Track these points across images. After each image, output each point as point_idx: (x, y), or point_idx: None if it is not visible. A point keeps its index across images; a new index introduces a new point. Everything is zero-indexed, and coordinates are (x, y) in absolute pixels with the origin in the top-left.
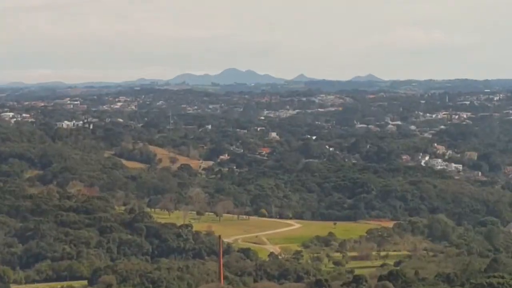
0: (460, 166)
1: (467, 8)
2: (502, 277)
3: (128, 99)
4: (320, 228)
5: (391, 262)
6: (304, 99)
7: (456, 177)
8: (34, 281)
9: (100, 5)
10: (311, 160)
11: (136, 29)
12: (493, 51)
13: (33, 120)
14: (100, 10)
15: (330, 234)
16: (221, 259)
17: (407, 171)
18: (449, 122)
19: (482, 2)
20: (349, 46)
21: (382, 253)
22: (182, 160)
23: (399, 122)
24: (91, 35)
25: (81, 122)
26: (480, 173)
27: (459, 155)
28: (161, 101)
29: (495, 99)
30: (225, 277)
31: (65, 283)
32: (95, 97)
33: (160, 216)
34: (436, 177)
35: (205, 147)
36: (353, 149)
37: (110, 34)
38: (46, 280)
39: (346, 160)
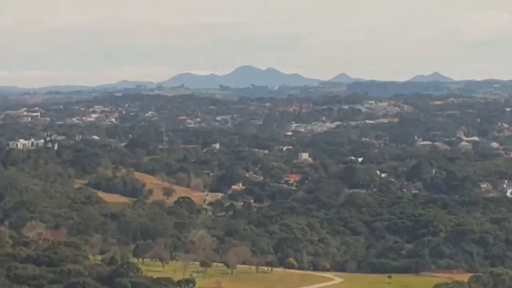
0: None
1: None
2: None
3: (107, 109)
4: (369, 283)
5: None
6: (346, 107)
7: None
8: None
9: None
10: (356, 190)
11: (117, 15)
12: None
13: None
14: None
15: None
16: None
17: (487, 204)
18: None
19: None
20: (406, 35)
21: None
22: (181, 191)
23: (476, 138)
24: (56, 23)
25: (42, 140)
26: None
27: None
28: (151, 111)
29: None
30: None
31: None
32: (61, 106)
33: (151, 269)
34: None
35: (211, 174)
36: (414, 175)
37: (82, 23)
38: None
39: (405, 190)
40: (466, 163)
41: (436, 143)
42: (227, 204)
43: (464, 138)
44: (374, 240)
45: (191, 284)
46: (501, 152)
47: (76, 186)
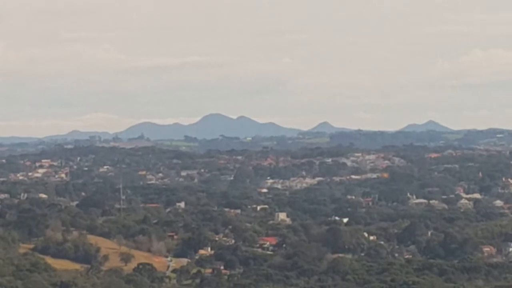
0: None
1: None
2: None
3: (55, 164)
4: None
5: None
6: (329, 160)
7: None
8: None
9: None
10: (341, 255)
11: (67, 56)
12: None
13: None
14: (9, 29)
15: None
16: None
17: (490, 271)
18: None
19: None
20: (398, 78)
21: None
22: (141, 257)
23: (477, 195)
24: None
25: None
26: None
27: None
28: (106, 166)
29: None
30: None
31: None
32: (3, 160)
33: None
34: None
35: (176, 237)
36: (407, 238)
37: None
38: None
39: (396, 255)
40: (466, 224)
41: (432, 201)
42: (194, 271)
43: (464, 195)
44: None
45: None
46: (506, 211)
47: (21, 251)
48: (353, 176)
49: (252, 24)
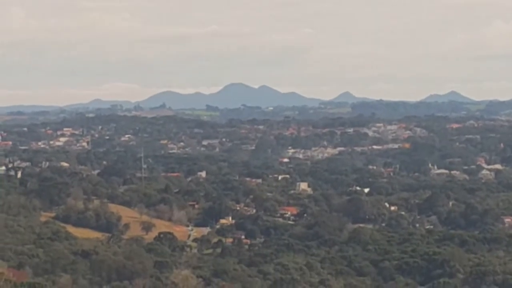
0: None
1: None
2: None
3: (77, 132)
4: None
5: None
6: (351, 130)
7: None
8: None
9: None
10: (362, 225)
11: (88, 25)
12: None
13: None
14: None
15: None
16: None
17: (511, 242)
18: None
19: None
20: (419, 49)
21: None
22: (162, 226)
23: (499, 166)
24: (17, 32)
25: (3, 168)
26: None
27: None
28: (127, 135)
29: None
30: None
31: None
32: (25, 129)
33: None
34: None
35: (197, 206)
36: (428, 209)
37: (47, 33)
38: None
39: (417, 225)
40: (487, 195)
41: (453, 172)
42: (215, 240)
43: (485, 166)
44: (383, 281)
45: None
46: None
47: (43, 219)
48: (374, 146)
49: None
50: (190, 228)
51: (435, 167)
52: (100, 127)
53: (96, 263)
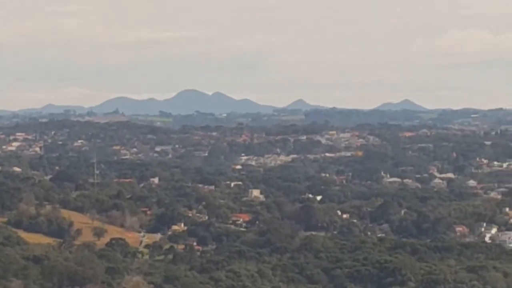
0: None
1: None
2: None
3: (30, 137)
4: None
5: None
6: (303, 138)
7: None
8: None
9: None
10: (314, 233)
11: (41, 30)
12: None
13: None
14: None
15: None
16: None
17: (463, 251)
18: None
19: None
20: (373, 57)
21: None
22: (114, 232)
23: (451, 175)
24: None
25: None
26: None
27: None
28: (80, 141)
29: None
30: None
31: None
32: None
33: None
34: (509, 260)
35: (149, 212)
36: (380, 217)
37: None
38: None
39: (369, 233)
40: (439, 204)
41: (405, 180)
42: (167, 246)
43: (438, 175)
44: None
45: None
46: (479, 191)
47: None
48: (327, 154)
49: (228, 1)
50: (142, 234)
51: (388, 175)
52: (53, 132)
53: (48, 268)
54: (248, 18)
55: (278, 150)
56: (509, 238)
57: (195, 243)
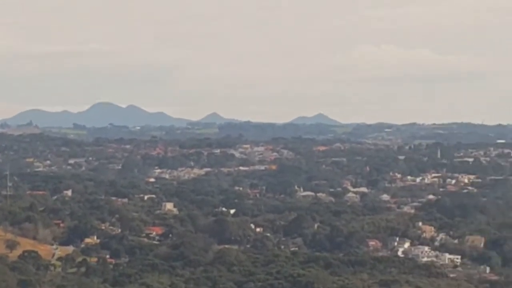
0: (458, 258)
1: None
2: None
3: None
4: None
5: None
6: (217, 151)
7: (452, 275)
8: None
9: None
10: (227, 246)
11: None
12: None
13: None
14: None
15: None
16: None
17: (375, 264)
18: (442, 189)
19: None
20: (288, 71)
21: None
22: (26, 244)
23: (364, 189)
24: None
25: None
26: (488, 269)
27: (456, 241)
28: None
29: None
30: None
31: None
32: None
33: None
34: (421, 274)
35: (62, 225)
36: (293, 230)
37: None
38: None
39: (282, 247)
40: (352, 218)
41: (319, 194)
42: (79, 259)
43: (351, 189)
44: None
45: None
46: (393, 205)
47: None
48: (241, 168)
49: (143, 14)
50: (54, 246)
51: (301, 189)
52: None
53: None
54: (163, 32)
55: (192, 163)
56: (421, 252)
57: (108, 256)
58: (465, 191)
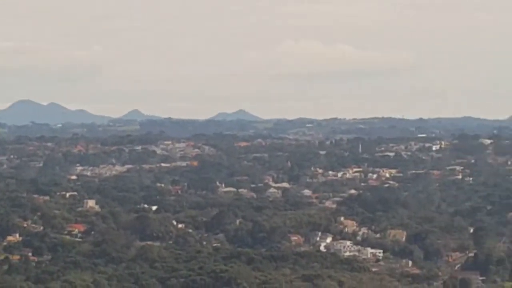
0: (380, 252)
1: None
2: None
3: None
4: None
5: None
6: (139, 148)
7: (374, 269)
8: None
9: None
10: (149, 243)
11: None
12: (431, 76)
13: None
14: None
15: None
16: None
17: (298, 259)
18: (363, 184)
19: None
20: (209, 67)
21: None
22: None
23: (286, 185)
24: None
25: None
26: (410, 263)
27: (378, 235)
28: None
29: (434, 148)
30: None
31: None
32: None
33: None
34: (343, 268)
35: None
36: (215, 226)
37: None
38: None
39: (205, 243)
40: (274, 213)
41: (240, 190)
42: (1, 257)
43: (273, 184)
44: None
45: None
46: (314, 200)
47: None
48: (162, 164)
49: (64, 11)
50: None
51: (223, 185)
52: None
53: None
54: (84, 29)
55: (114, 160)
56: (344, 247)
57: (30, 254)
58: (386, 185)
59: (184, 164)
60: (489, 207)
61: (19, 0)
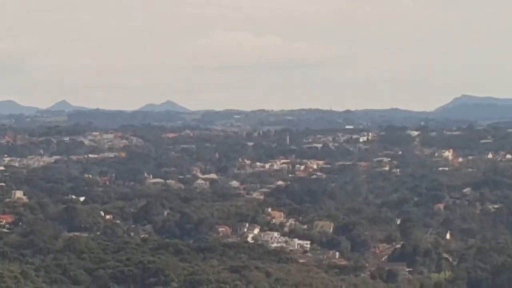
0: (307, 243)
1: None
2: None
3: None
4: None
5: None
6: (67, 139)
7: (302, 260)
8: None
9: None
10: (77, 234)
11: None
12: (358, 69)
13: None
14: None
15: None
16: None
17: (225, 251)
18: (291, 175)
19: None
20: (137, 59)
21: None
22: None
23: (214, 176)
24: None
25: None
26: (337, 254)
27: (305, 226)
28: None
29: (361, 140)
30: None
31: None
32: None
33: None
34: (271, 259)
35: None
36: (143, 217)
37: None
38: None
39: (132, 234)
40: (202, 204)
41: (168, 181)
42: None
43: (201, 175)
44: None
45: None
46: (242, 191)
47: None
48: (90, 155)
49: None
50: None
51: (151, 176)
52: None
53: None
54: (10, 20)
55: (41, 151)
56: (271, 238)
57: None
58: (313, 176)
59: (112, 155)
60: (416, 199)
61: None
